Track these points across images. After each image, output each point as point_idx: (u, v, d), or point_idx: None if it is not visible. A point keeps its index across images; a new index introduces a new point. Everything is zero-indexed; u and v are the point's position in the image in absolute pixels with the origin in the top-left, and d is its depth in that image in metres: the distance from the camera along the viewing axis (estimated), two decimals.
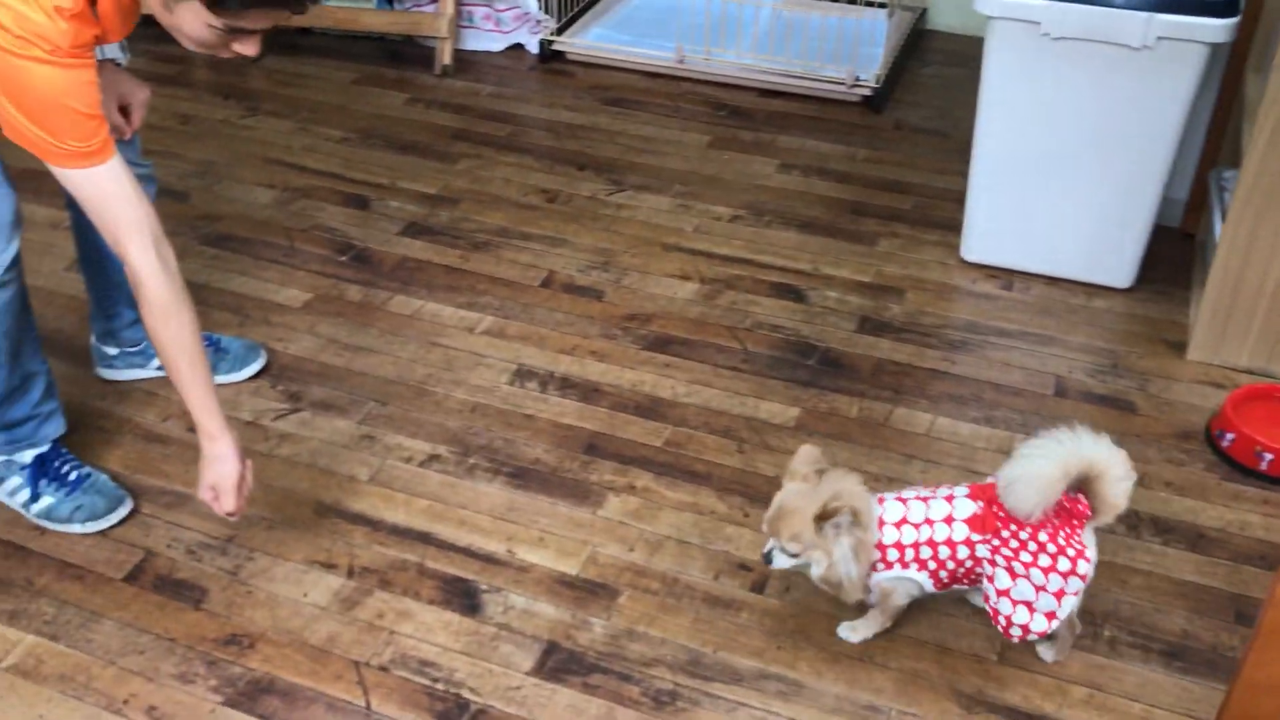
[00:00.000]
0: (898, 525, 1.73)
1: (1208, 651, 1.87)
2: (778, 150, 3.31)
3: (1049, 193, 2.63)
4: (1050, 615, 1.70)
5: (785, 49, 3.64)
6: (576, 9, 3.96)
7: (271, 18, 1.64)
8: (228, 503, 1.87)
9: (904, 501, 1.76)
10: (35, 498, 2.05)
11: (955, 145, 3.29)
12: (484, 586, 1.97)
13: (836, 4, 3.91)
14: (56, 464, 2.07)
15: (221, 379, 2.35)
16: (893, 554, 1.73)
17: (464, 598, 1.95)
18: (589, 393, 2.39)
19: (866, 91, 3.53)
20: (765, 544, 1.78)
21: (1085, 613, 1.92)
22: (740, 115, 3.50)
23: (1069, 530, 1.68)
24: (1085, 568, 1.68)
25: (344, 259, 2.81)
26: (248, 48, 1.68)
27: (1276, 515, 2.12)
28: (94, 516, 2.05)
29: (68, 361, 2.42)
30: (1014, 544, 1.69)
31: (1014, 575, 1.69)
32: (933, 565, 1.74)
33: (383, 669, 1.83)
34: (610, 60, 3.79)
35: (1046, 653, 1.84)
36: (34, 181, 1.86)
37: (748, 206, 3.04)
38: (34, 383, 2.02)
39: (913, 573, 1.75)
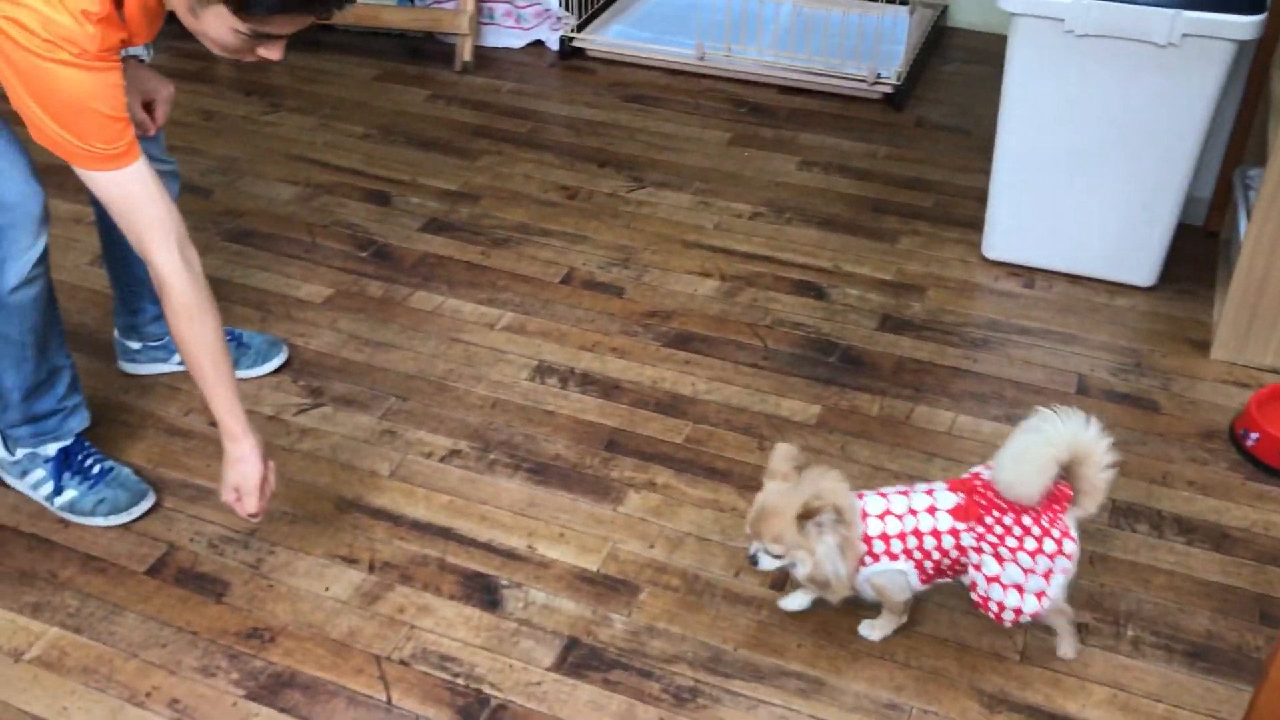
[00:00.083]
0: (881, 517, 1.73)
1: (1232, 652, 1.85)
2: (798, 147, 3.30)
3: (1072, 190, 2.62)
4: (1040, 595, 1.71)
5: (806, 46, 3.63)
6: (597, 6, 3.97)
7: (297, 23, 1.64)
8: (250, 504, 1.87)
9: (885, 495, 1.76)
10: (59, 491, 2.07)
11: (976, 143, 3.27)
12: (504, 582, 1.97)
13: (857, 1, 3.90)
14: (80, 457, 2.08)
15: (243, 374, 2.36)
16: (879, 545, 1.73)
17: (484, 593, 1.95)
18: (609, 389, 2.39)
19: (887, 89, 3.52)
20: (750, 546, 1.77)
21: (1108, 612, 1.91)
22: (761, 112, 3.50)
23: (1051, 514, 1.68)
24: (1071, 547, 1.69)
25: (365, 255, 2.82)
26: (272, 52, 1.69)
27: None
28: (117, 510, 2.07)
29: (91, 356, 2.44)
30: (998, 529, 1.69)
31: (1001, 560, 1.70)
32: (918, 555, 1.74)
33: (403, 663, 1.83)
34: (631, 57, 3.79)
35: (1066, 648, 1.83)
36: (57, 176, 1.87)
37: (768, 204, 3.03)
38: (60, 377, 2.04)
39: (900, 564, 1.74)
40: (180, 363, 2.34)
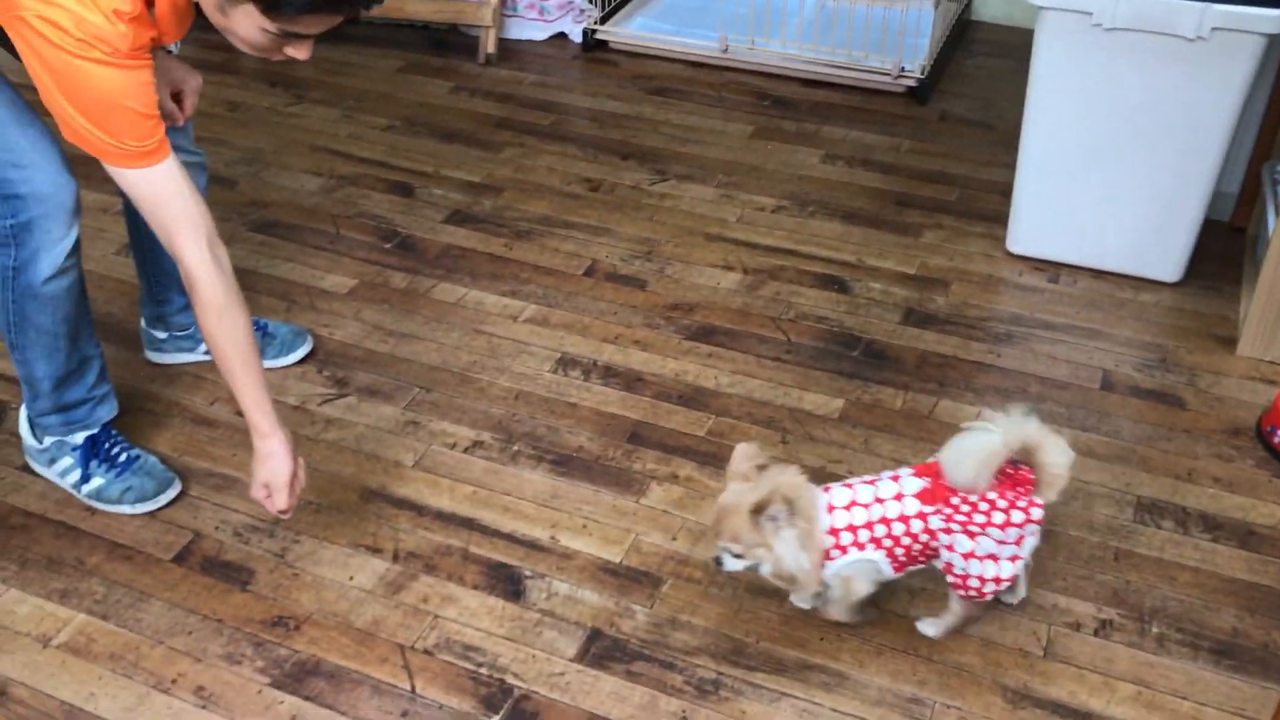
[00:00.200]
0: (847, 508, 1.73)
1: (1258, 650, 1.84)
2: (822, 140, 3.30)
3: (1097, 185, 2.60)
4: (1014, 559, 1.73)
5: (830, 39, 3.62)
6: None
7: (326, 23, 1.64)
8: (280, 500, 1.87)
9: (850, 486, 1.76)
10: (86, 479, 2.08)
11: (1001, 137, 3.26)
12: (528, 573, 1.98)
13: None
14: (107, 445, 2.10)
15: (268, 364, 2.37)
16: (846, 537, 1.73)
17: (508, 583, 1.96)
18: (632, 382, 2.39)
19: (911, 82, 3.51)
20: (714, 549, 1.77)
21: (1133, 608, 1.91)
22: (784, 105, 3.49)
23: (1016, 491, 1.69)
24: (1038, 513, 1.70)
25: (389, 246, 2.83)
26: (300, 52, 1.69)
27: None
28: (143, 498, 2.08)
29: (117, 345, 2.46)
30: (965, 508, 1.69)
31: (973, 536, 1.70)
32: (888, 543, 1.73)
33: (427, 653, 1.84)
34: (654, 50, 3.78)
35: (1021, 589, 1.87)
36: (85, 167, 1.88)
37: (791, 197, 3.03)
38: (90, 366, 2.05)
39: (869, 554, 1.74)
40: (206, 352, 2.36)
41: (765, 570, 1.75)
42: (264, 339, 2.40)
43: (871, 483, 1.76)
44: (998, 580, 1.73)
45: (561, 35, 3.92)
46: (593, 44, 3.82)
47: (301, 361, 2.44)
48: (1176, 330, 2.54)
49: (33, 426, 2.09)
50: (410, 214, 2.95)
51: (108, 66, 1.60)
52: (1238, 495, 2.13)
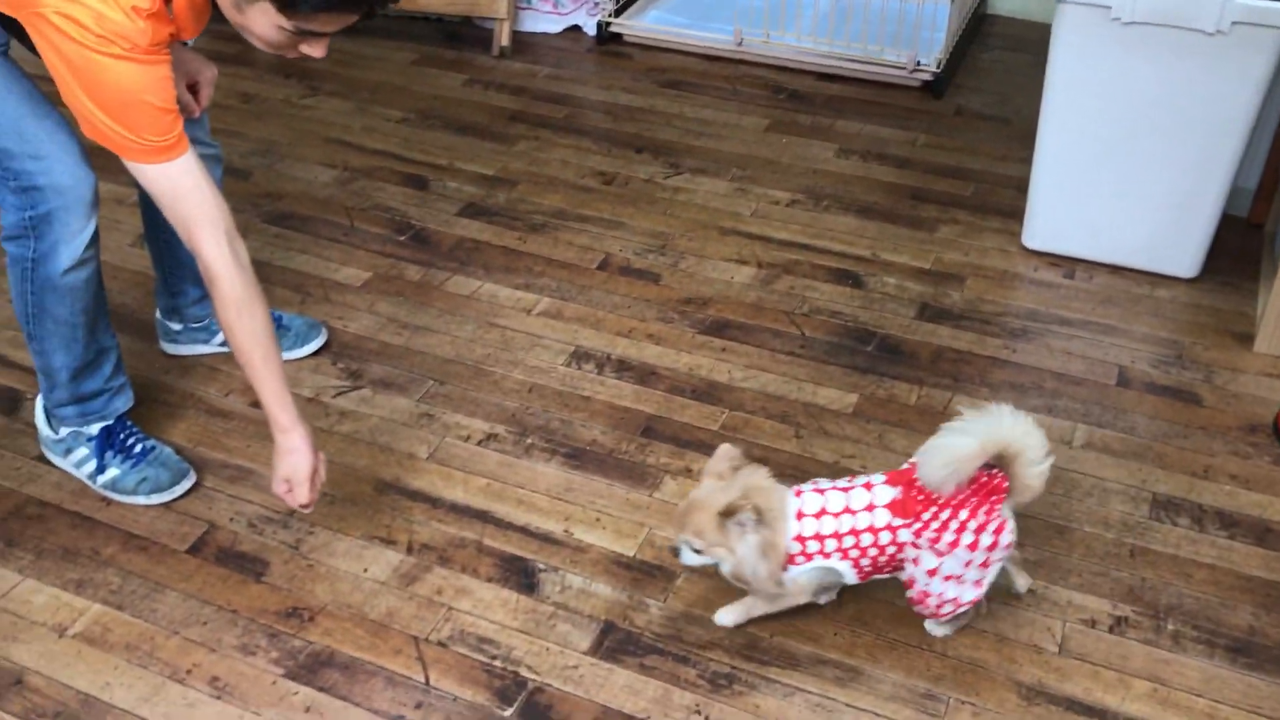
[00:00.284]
0: (817, 516, 1.72)
1: (1275, 648, 1.83)
2: (836, 134, 3.29)
3: (1114, 180, 2.59)
4: (978, 584, 1.73)
5: (845, 32, 3.61)
6: None
7: (341, 21, 1.65)
8: (301, 494, 1.87)
9: (822, 492, 1.75)
10: (101, 469, 2.09)
11: (1016, 131, 3.25)
12: (541, 566, 1.98)
13: None
14: (122, 436, 2.10)
15: (283, 355, 2.36)
16: (813, 545, 1.72)
17: (521, 576, 1.96)
18: (645, 375, 2.39)
19: (927, 76, 3.49)
20: (675, 539, 1.77)
21: (1148, 605, 1.90)
22: (799, 99, 3.48)
23: (988, 507, 1.68)
24: (1008, 538, 1.70)
25: (403, 239, 2.83)
26: (315, 49, 1.69)
27: None
28: (158, 489, 2.09)
29: (132, 336, 2.46)
30: (935, 525, 1.68)
31: (940, 555, 1.70)
32: (855, 554, 1.73)
33: (441, 645, 1.84)
34: (668, 42, 3.78)
35: (1021, 582, 1.90)
36: (100, 158, 1.88)
37: (806, 191, 3.02)
38: (107, 357, 2.06)
39: (834, 562, 1.74)
40: (221, 344, 2.37)
41: (725, 569, 1.75)
42: (279, 331, 2.41)
43: (845, 490, 1.75)
44: (956, 602, 1.74)
45: (576, 28, 3.91)
46: (607, 37, 3.82)
47: (316, 354, 2.44)
48: (1193, 326, 2.53)
49: (49, 417, 2.10)
50: (424, 207, 2.95)
51: (127, 62, 1.61)
52: (1254, 492, 2.12)
